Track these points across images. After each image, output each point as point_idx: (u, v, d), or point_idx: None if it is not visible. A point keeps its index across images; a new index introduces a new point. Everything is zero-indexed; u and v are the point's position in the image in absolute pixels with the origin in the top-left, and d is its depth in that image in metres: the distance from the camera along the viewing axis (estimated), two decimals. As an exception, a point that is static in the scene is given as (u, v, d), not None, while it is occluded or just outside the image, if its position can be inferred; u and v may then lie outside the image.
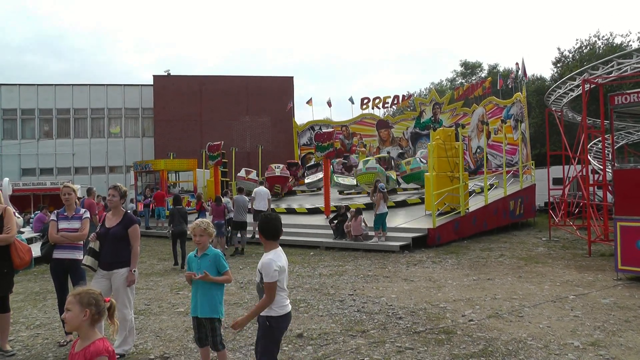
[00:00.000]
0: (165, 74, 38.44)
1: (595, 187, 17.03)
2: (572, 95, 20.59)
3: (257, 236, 15.75)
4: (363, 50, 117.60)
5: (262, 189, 15.78)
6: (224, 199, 14.77)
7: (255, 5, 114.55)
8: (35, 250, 6.28)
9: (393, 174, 21.75)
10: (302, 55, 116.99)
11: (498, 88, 26.73)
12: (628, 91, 9.82)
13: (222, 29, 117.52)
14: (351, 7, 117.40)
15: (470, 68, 49.44)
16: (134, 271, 5.45)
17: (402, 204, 18.24)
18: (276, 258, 3.69)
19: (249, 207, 14.79)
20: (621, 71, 16.57)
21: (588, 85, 13.09)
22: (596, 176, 17.94)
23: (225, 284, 4.57)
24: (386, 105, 31.25)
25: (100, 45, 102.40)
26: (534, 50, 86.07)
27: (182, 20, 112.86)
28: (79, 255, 5.92)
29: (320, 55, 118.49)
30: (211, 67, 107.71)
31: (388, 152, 27.72)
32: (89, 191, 13.38)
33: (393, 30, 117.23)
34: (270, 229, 3.79)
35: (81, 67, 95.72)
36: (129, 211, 5.83)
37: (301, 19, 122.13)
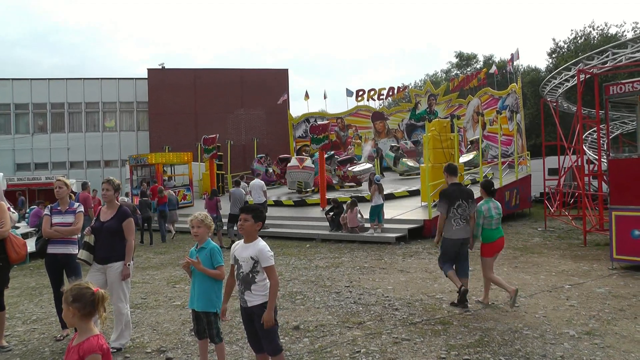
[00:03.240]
0: (160, 67, 38.23)
1: (591, 177, 17.09)
2: (567, 86, 20.60)
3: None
4: (357, 42, 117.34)
5: (257, 182, 15.91)
6: (243, 183, 16.23)
7: (250, 0, 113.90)
8: (31, 245, 6.26)
9: (409, 161, 23.57)
10: (296, 48, 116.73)
11: (494, 74, 26.70)
12: (623, 81, 9.81)
13: (217, 24, 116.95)
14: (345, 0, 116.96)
15: (465, 59, 49.37)
16: (129, 265, 5.44)
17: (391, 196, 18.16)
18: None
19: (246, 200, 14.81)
20: (616, 61, 16.57)
21: (583, 76, 13.09)
22: (591, 166, 17.98)
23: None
24: (381, 97, 31.22)
25: (94, 39, 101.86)
26: (529, 41, 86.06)
27: (177, 15, 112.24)
28: (73, 249, 5.89)
29: (314, 48, 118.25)
30: (206, 61, 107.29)
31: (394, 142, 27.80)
32: (84, 185, 13.36)
33: (387, 22, 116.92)
34: (265, 217, 4.15)
35: (75, 62, 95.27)
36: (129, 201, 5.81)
37: (295, 12, 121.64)
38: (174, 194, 18.10)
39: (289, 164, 21.18)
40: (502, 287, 6.68)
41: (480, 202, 6.91)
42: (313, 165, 20.19)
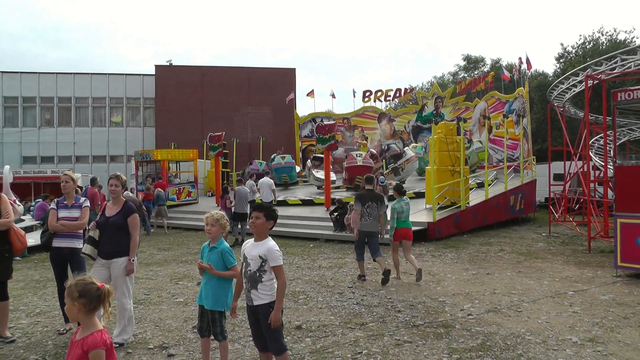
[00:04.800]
0: (167, 64, 38.33)
1: (596, 183, 17.03)
2: (574, 91, 20.51)
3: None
4: (366, 43, 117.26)
5: (266, 180, 15.99)
6: (249, 181, 16.16)
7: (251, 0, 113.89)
8: (36, 238, 6.29)
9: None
10: (296, 48, 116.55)
11: (501, 78, 26.61)
12: (631, 87, 9.77)
13: (217, 24, 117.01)
14: (354, 0, 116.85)
15: (472, 62, 49.24)
16: (133, 260, 5.45)
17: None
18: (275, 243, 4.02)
19: (251, 198, 14.86)
20: (625, 67, 16.49)
21: (591, 81, 13.04)
22: (597, 172, 17.92)
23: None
24: (388, 99, 31.14)
25: (94, 39, 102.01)
26: (537, 45, 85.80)
27: (177, 14, 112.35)
28: (78, 244, 5.92)
29: (314, 48, 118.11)
30: (206, 61, 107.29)
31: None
32: (93, 181, 13.36)
33: (396, 24, 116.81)
34: (276, 216, 4.15)
35: (80, 57, 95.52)
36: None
37: (303, 12, 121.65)
38: (162, 191, 18.48)
39: (347, 161, 20.39)
40: (397, 268, 8.96)
41: (394, 201, 8.98)
42: (372, 161, 19.98)
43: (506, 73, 27.01)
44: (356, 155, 20.32)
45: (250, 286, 3.96)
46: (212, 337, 4.49)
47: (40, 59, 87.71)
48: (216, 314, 4.41)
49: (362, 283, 8.58)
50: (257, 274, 3.92)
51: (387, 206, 13.50)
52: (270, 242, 3.98)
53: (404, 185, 13.69)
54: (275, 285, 3.95)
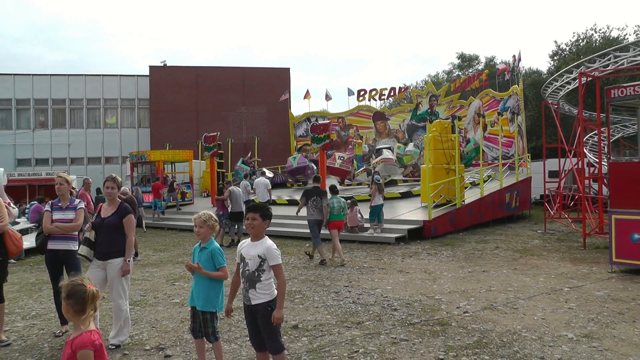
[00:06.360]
0: (162, 64, 38.17)
1: (591, 180, 17.08)
2: (568, 88, 20.58)
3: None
4: (359, 42, 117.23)
5: (262, 180, 15.99)
6: (244, 182, 16.21)
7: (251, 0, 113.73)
8: (31, 240, 6.27)
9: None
10: (296, 47, 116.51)
11: (497, 75, 26.67)
12: (624, 84, 9.82)
13: (217, 23, 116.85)
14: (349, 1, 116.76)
15: (467, 60, 49.30)
16: (129, 261, 5.45)
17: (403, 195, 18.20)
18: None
19: (246, 198, 14.83)
20: (618, 64, 16.56)
21: (584, 78, 13.07)
22: (592, 169, 17.98)
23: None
24: (382, 97, 31.14)
25: (94, 37, 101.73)
26: (531, 43, 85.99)
27: (177, 13, 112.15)
28: (73, 245, 5.90)
29: (314, 48, 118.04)
30: (206, 60, 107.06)
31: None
32: (83, 183, 13.32)
33: (390, 23, 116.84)
34: (271, 214, 4.18)
35: (77, 58, 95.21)
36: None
37: (297, 12, 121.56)
38: (140, 192, 19.06)
39: (382, 157, 20.19)
40: (339, 252, 10.39)
41: (329, 198, 10.67)
42: (349, 165, 21.10)
43: (499, 68, 27.09)
44: (338, 157, 21.08)
45: (248, 286, 3.96)
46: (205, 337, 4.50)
47: (38, 61, 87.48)
48: (207, 315, 4.40)
49: (356, 285, 8.55)
50: (256, 273, 3.92)
51: (381, 205, 13.64)
52: (269, 242, 4.00)
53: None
54: (273, 284, 3.97)
